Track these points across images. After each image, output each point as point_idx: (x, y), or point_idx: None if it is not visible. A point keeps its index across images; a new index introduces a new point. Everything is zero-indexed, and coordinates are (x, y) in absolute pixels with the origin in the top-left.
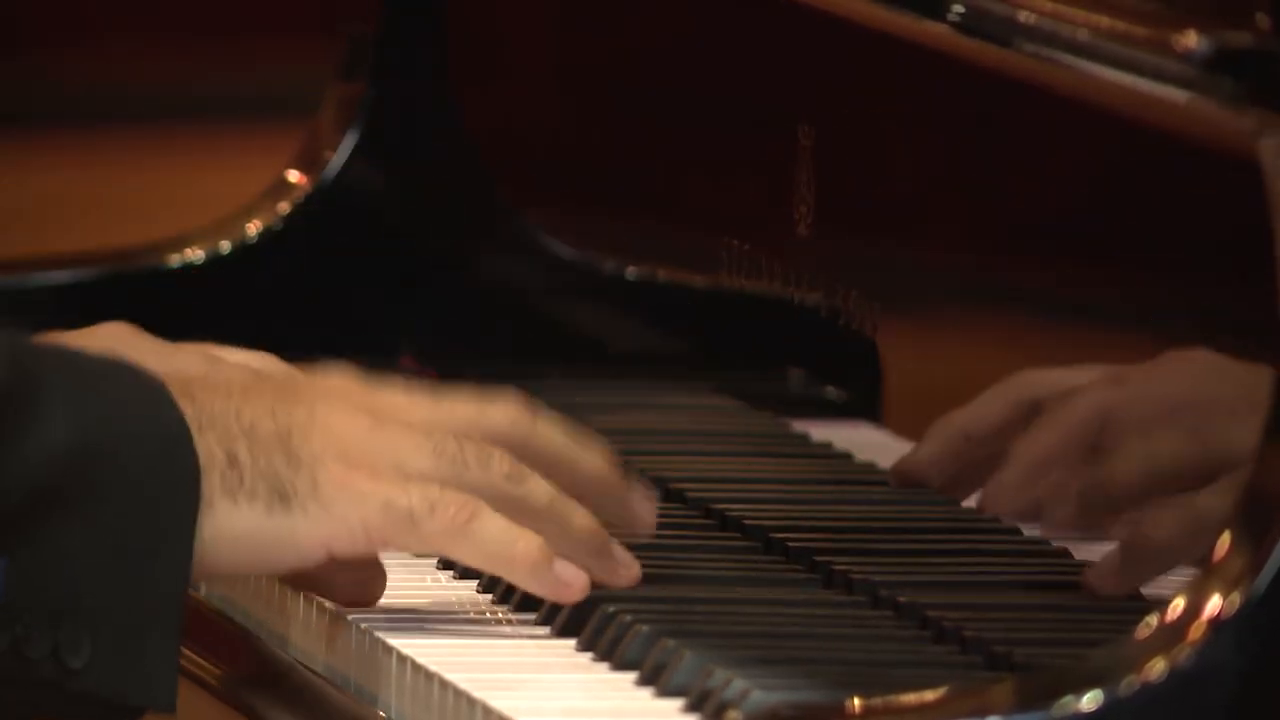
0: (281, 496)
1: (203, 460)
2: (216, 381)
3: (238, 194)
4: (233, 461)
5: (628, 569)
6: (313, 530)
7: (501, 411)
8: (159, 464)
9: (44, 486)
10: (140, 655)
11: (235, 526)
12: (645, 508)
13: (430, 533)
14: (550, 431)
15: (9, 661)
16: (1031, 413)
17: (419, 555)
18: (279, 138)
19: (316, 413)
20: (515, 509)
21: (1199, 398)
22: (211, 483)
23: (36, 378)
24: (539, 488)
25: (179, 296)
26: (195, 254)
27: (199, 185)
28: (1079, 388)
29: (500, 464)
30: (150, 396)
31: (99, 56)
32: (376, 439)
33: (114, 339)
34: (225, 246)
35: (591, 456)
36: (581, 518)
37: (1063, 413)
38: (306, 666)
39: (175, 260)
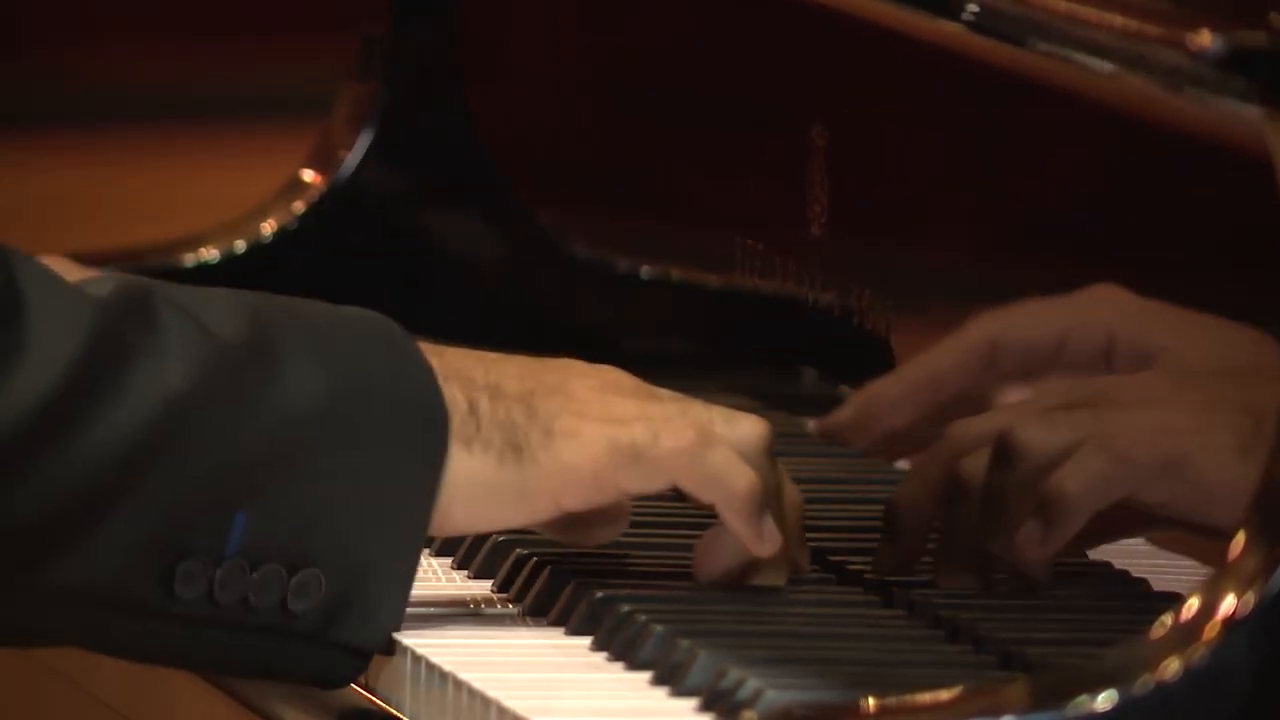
0: (514, 447)
1: (447, 407)
2: (468, 350)
3: (252, 194)
4: (473, 409)
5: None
6: (541, 482)
7: (748, 422)
8: (405, 411)
9: (288, 441)
10: (369, 600)
11: (469, 474)
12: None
13: (656, 457)
14: (773, 464)
15: (238, 613)
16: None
17: (639, 499)
18: (294, 138)
19: (568, 381)
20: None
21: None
22: (451, 429)
23: (281, 332)
24: (770, 478)
25: None
26: (210, 253)
27: (214, 185)
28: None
29: (753, 426)
30: (394, 345)
31: (113, 57)
32: (620, 401)
33: None
34: (240, 246)
35: (797, 505)
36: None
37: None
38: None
39: (190, 260)
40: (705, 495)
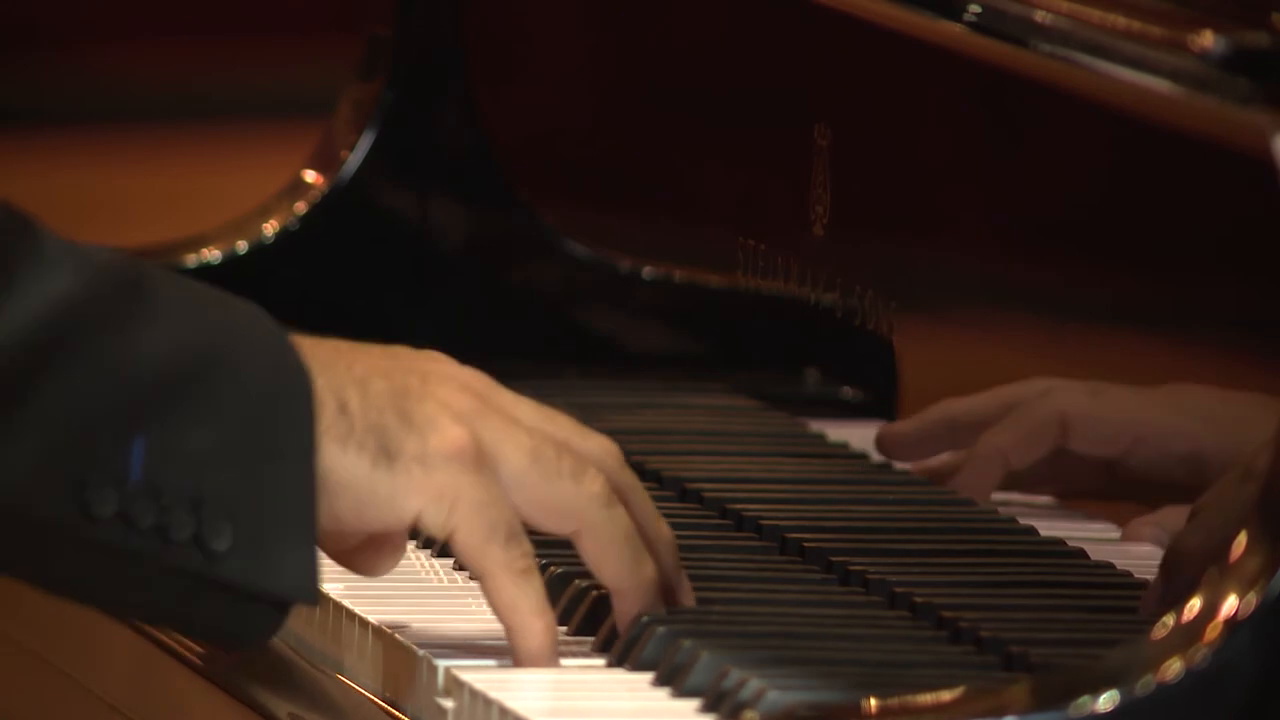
0: (388, 453)
1: (318, 399)
2: (326, 341)
3: (254, 194)
4: (343, 409)
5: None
6: (410, 489)
7: (599, 440)
8: (278, 377)
9: (176, 371)
10: (280, 548)
11: (342, 471)
12: (687, 600)
13: (491, 556)
14: (635, 480)
15: (153, 541)
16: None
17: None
18: (296, 138)
19: (429, 382)
20: (592, 533)
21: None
22: (323, 425)
23: (152, 278)
24: (622, 519)
25: None
26: (212, 254)
27: (216, 185)
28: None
29: (592, 483)
30: (263, 323)
31: (116, 58)
32: (484, 422)
33: None
34: (242, 246)
35: (664, 526)
36: (649, 566)
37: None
38: (293, 649)
39: (192, 260)
40: (497, 616)
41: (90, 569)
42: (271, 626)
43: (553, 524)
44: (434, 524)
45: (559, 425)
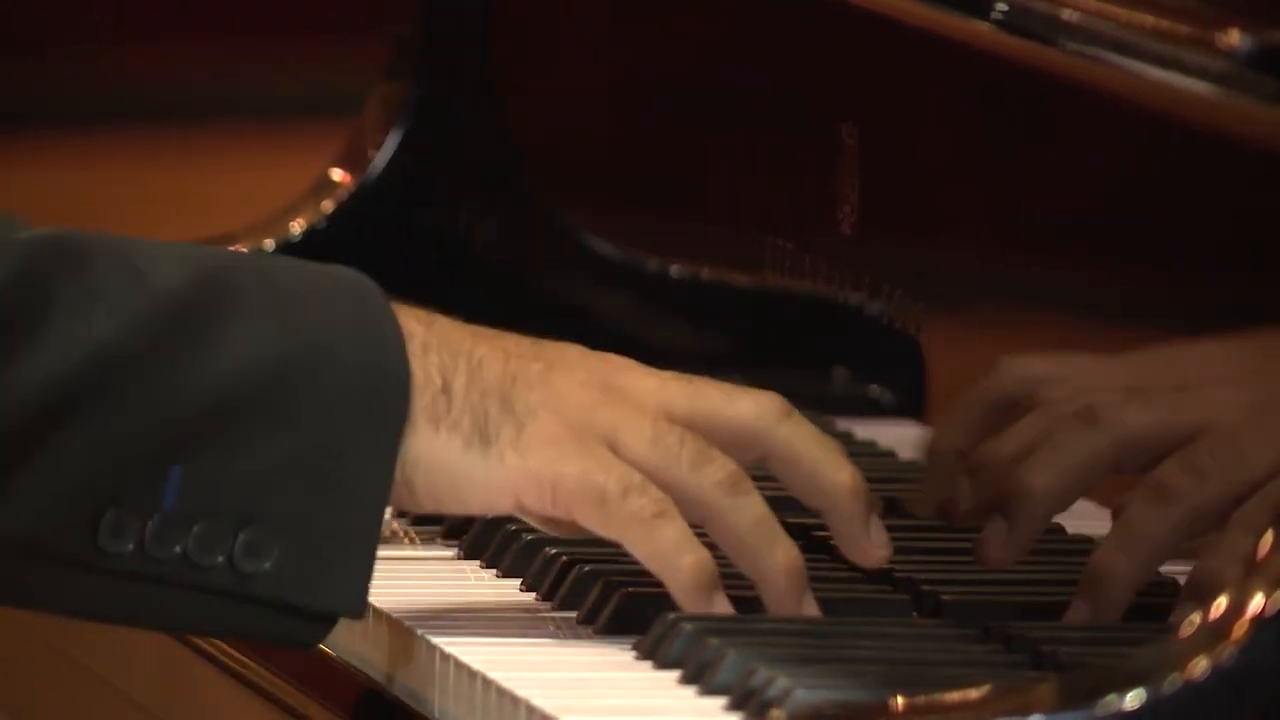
0: (483, 436)
1: (417, 380)
2: (463, 323)
3: (282, 192)
4: (446, 388)
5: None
6: (505, 477)
7: (750, 404)
8: (366, 378)
9: (230, 397)
10: (330, 561)
11: (433, 453)
12: (879, 542)
13: (613, 516)
14: (798, 435)
15: (179, 569)
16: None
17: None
18: (323, 137)
19: (552, 373)
20: (717, 522)
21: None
22: (421, 403)
23: (234, 290)
24: (749, 507)
25: None
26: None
27: (244, 184)
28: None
29: (716, 471)
30: (369, 311)
31: (146, 57)
32: (600, 412)
33: None
34: (269, 245)
35: (839, 472)
36: (784, 552)
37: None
38: (351, 664)
39: None
40: (652, 569)
41: (114, 596)
42: (316, 637)
43: (681, 512)
44: (542, 510)
45: (703, 400)
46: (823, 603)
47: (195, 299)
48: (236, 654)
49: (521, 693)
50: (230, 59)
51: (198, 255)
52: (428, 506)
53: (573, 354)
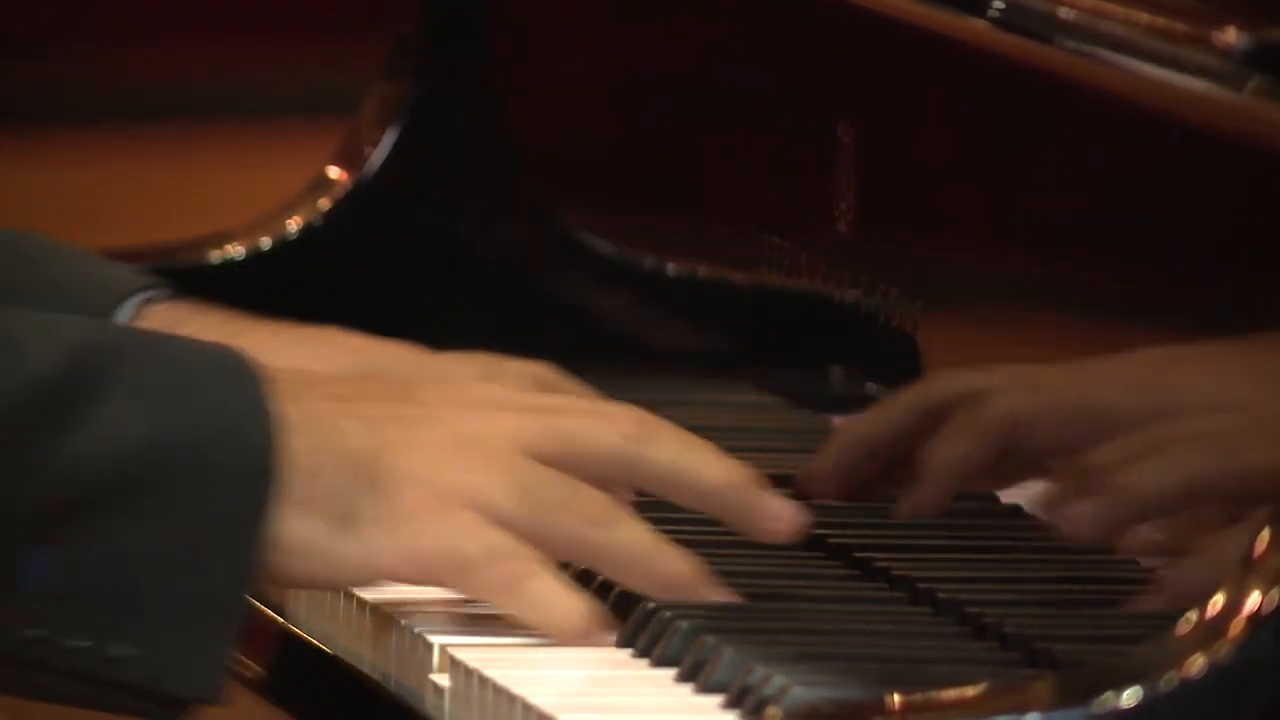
0: (346, 519)
1: (282, 466)
2: (338, 385)
3: (278, 190)
4: (312, 471)
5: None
6: (375, 557)
7: (608, 433)
8: (232, 464)
9: (99, 481)
10: (189, 648)
11: (301, 536)
12: (776, 514)
13: (482, 584)
14: (661, 454)
15: (45, 649)
16: (939, 417)
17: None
18: (320, 135)
19: (415, 431)
20: (596, 559)
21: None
22: (287, 489)
23: (105, 370)
24: (626, 533)
25: (220, 292)
26: (236, 250)
27: (241, 182)
28: (989, 391)
29: (584, 507)
30: (242, 395)
31: (143, 55)
32: (459, 474)
33: (320, 336)
34: (266, 243)
35: (710, 474)
36: (672, 564)
37: (972, 418)
38: (348, 662)
39: (216, 256)
40: (534, 628)
41: None
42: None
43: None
44: (415, 582)
45: (562, 434)
46: (819, 601)
47: (66, 380)
48: (232, 653)
49: (517, 690)
50: (229, 59)
51: (78, 330)
52: (304, 586)
53: (431, 395)
